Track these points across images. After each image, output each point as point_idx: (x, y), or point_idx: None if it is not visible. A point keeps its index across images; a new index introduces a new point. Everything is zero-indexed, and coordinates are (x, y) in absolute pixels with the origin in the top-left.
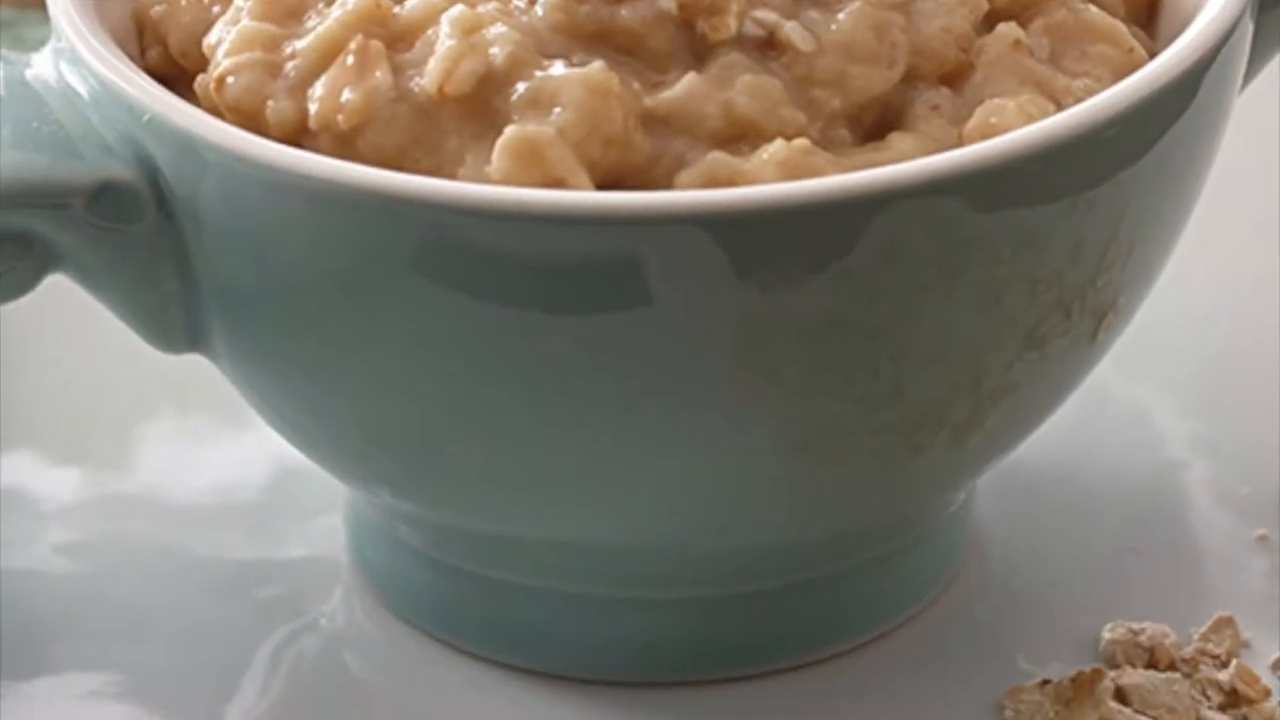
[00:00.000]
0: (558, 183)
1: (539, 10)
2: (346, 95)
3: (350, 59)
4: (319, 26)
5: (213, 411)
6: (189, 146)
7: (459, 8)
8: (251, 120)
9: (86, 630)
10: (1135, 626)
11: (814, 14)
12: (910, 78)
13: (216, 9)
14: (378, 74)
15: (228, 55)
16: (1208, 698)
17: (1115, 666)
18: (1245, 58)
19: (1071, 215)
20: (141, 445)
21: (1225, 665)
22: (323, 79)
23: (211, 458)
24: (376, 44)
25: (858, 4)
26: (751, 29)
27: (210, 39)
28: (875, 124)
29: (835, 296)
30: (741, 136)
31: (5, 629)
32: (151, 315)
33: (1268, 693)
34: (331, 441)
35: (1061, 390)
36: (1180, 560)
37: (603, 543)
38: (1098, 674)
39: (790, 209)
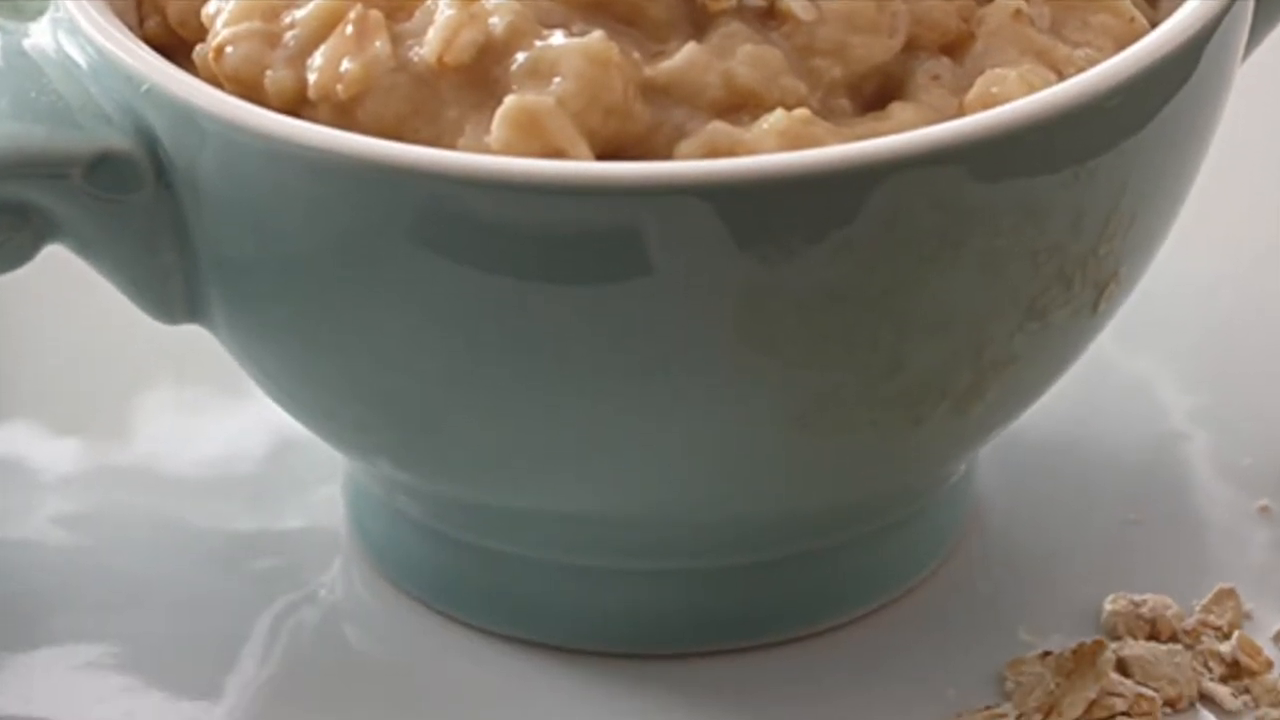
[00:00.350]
0: (557, 153)
1: None
2: (346, 65)
3: (349, 29)
4: None
5: (211, 382)
6: (187, 117)
7: None
8: (250, 90)
9: (84, 602)
10: (1137, 598)
11: None
12: (911, 47)
13: None
14: (377, 44)
15: (226, 25)
16: (1209, 669)
17: (1117, 638)
18: (1247, 28)
19: (1073, 185)
20: (140, 416)
21: (1227, 637)
22: (322, 49)
23: (210, 429)
24: (375, 14)
25: None
26: None
27: (209, 9)
28: (876, 94)
29: (836, 267)
30: (742, 106)
31: (3, 600)
32: (150, 286)
33: (1270, 664)
34: (330, 412)
35: (1063, 361)
36: (1182, 532)
37: (602, 513)
38: (1099, 645)
39: (791, 179)
